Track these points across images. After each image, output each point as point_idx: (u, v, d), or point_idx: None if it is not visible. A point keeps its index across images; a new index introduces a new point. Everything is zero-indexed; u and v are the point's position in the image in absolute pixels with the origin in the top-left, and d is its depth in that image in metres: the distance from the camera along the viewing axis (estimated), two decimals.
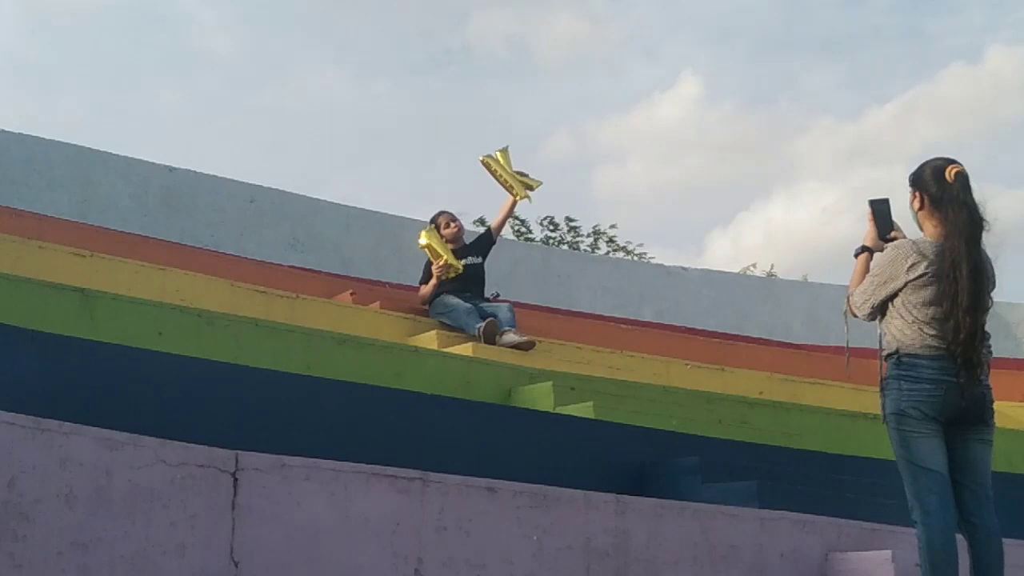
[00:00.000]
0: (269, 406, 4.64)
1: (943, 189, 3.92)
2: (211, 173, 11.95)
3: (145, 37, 44.01)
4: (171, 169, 11.60)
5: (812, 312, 14.24)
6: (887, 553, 4.21)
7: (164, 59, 43.85)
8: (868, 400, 8.47)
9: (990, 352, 3.97)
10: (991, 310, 3.98)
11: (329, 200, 12.58)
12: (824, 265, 43.13)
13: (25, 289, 5.72)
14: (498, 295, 8.59)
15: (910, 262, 3.88)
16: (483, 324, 7.59)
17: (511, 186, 8.59)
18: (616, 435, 5.79)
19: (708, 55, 48.28)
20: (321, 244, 12.05)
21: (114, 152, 11.43)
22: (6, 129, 10.80)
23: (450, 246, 8.48)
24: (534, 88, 47.49)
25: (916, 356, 3.83)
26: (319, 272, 10.89)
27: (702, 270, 15.55)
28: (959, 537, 3.80)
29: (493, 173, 8.65)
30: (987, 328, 3.95)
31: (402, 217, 12.36)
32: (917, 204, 3.99)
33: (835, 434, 6.96)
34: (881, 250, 4.10)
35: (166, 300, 6.59)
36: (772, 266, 28.35)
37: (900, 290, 3.89)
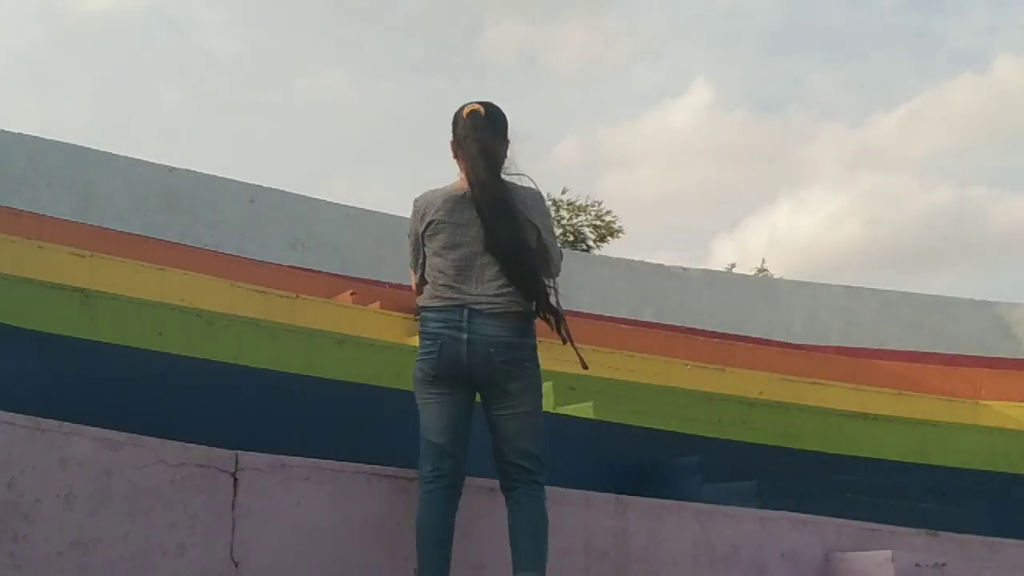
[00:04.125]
0: (269, 406, 4.64)
1: (460, 129, 3.57)
2: (211, 173, 11.97)
3: (149, 38, 44.12)
4: (171, 169, 11.62)
5: (812, 312, 14.25)
6: (887, 553, 4.21)
7: (168, 60, 43.96)
8: (868, 400, 8.49)
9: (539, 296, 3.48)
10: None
11: (329, 200, 12.60)
12: (828, 269, 43.23)
13: (25, 289, 5.72)
14: None
15: (420, 212, 3.58)
16: None
17: None
18: (616, 435, 5.79)
19: (717, 62, 48.51)
20: (321, 244, 12.05)
21: (114, 152, 11.45)
22: (6, 129, 10.81)
23: None
24: (544, 95, 47.82)
25: (426, 309, 3.51)
26: (319, 272, 10.90)
27: (702, 270, 15.56)
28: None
29: None
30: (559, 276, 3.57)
31: (402, 217, 12.34)
32: (452, 152, 3.66)
33: (835, 434, 6.96)
34: None
35: (166, 300, 6.59)
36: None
37: (424, 245, 3.56)
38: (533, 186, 3.60)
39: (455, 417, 3.45)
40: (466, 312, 3.42)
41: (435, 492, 3.41)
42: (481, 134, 3.51)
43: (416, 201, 3.62)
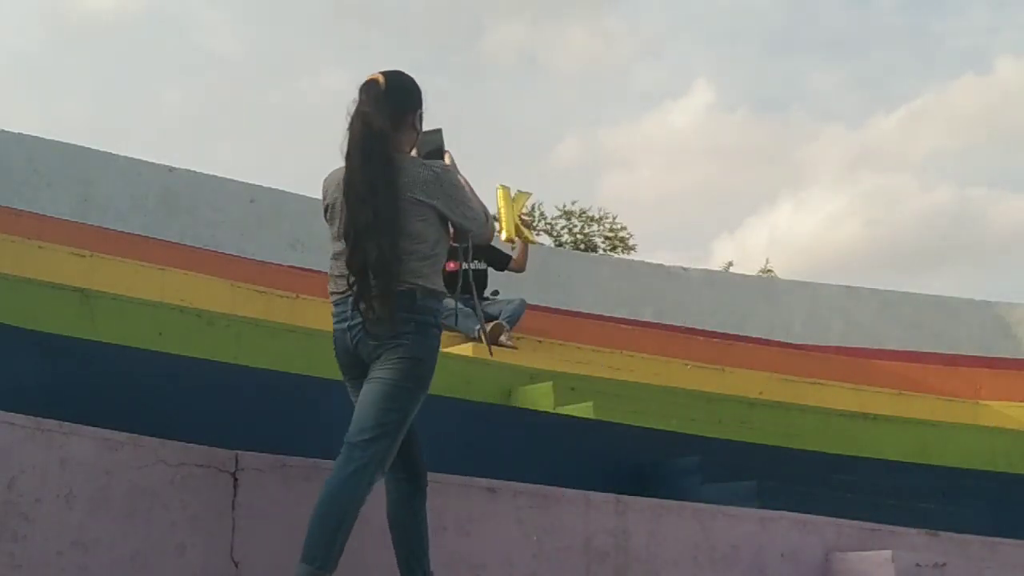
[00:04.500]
0: (269, 406, 4.64)
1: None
2: (211, 173, 11.96)
3: (149, 38, 44.16)
4: (171, 169, 11.60)
5: (812, 312, 14.23)
6: (887, 553, 4.21)
7: (168, 60, 43.99)
8: (868, 400, 8.49)
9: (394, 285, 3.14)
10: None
11: None
12: (828, 269, 43.23)
13: (25, 289, 5.72)
14: (497, 292, 8.56)
15: (322, 195, 3.35)
16: (488, 327, 7.57)
17: (516, 227, 8.48)
18: (616, 435, 5.79)
19: (718, 62, 48.56)
20: (321, 244, 12.00)
21: (114, 152, 11.44)
22: (6, 129, 10.80)
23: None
24: (544, 95, 47.83)
25: (332, 304, 3.32)
26: (319, 272, 10.86)
27: (702, 270, 15.54)
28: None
29: (504, 207, 8.50)
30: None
31: None
32: None
33: (835, 434, 6.96)
34: None
35: (166, 300, 6.58)
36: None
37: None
38: (437, 163, 3.28)
39: None
40: (351, 301, 3.19)
41: (389, 488, 3.37)
42: (370, 107, 3.20)
43: (323, 182, 3.35)
